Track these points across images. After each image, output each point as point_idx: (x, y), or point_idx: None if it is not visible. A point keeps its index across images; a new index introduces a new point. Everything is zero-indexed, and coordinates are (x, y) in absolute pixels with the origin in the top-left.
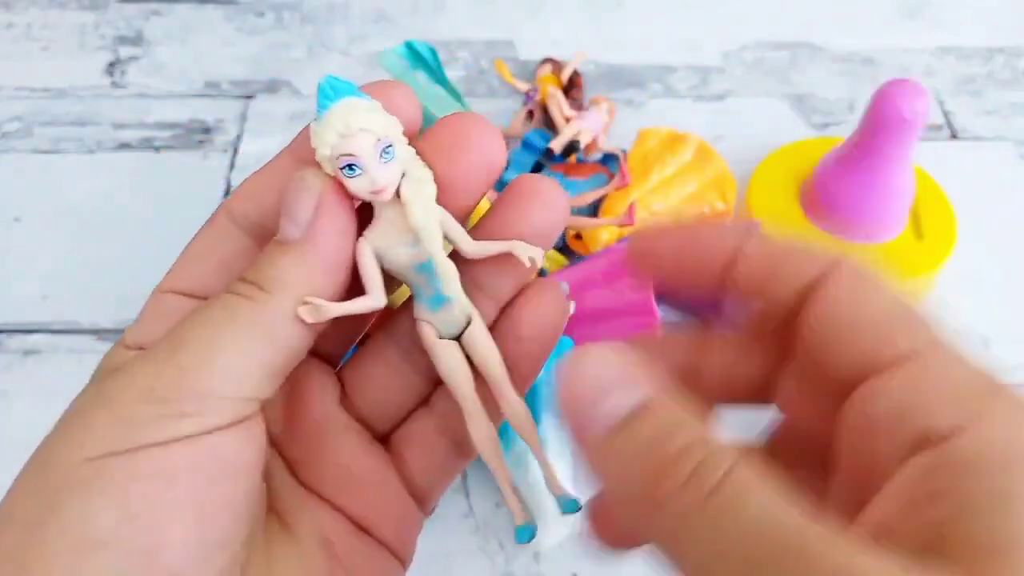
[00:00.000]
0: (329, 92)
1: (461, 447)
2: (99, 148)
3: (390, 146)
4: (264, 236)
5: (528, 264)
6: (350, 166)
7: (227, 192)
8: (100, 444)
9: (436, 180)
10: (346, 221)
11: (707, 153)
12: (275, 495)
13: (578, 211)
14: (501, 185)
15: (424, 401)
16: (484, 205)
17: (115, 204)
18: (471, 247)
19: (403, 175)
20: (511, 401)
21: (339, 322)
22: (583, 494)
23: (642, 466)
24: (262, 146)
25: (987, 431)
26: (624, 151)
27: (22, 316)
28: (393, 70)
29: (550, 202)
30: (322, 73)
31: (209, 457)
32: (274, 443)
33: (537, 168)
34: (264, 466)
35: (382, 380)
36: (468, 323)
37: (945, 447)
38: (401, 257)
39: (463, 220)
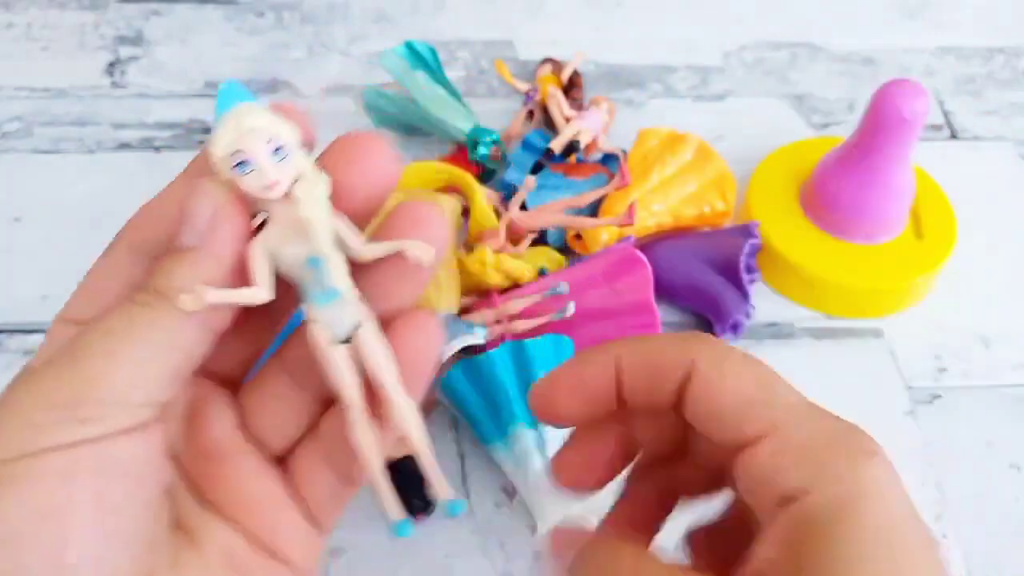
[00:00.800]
0: (227, 97)
1: (348, 477)
2: (99, 148)
3: (282, 146)
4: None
5: (421, 261)
6: (243, 163)
7: None
8: (8, 447)
9: (334, 187)
10: (243, 227)
11: (707, 153)
12: (180, 512)
13: (578, 211)
14: (504, 185)
15: (314, 426)
16: (490, 216)
17: (115, 204)
18: (361, 247)
19: (297, 179)
20: (401, 405)
21: (237, 343)
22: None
23: None
24: None
25: (825, 489)
26: (624, 151)
27: (22, 316)
28: (393, 70)
29: (433, 231)
30: (322, 73)
31: (110, 459)
32: (177, 462)
33: (537, 168)
34: (167, 481)
35: (275, 405)
36: (359, 326)
37: (799, 504)
38: (291, 254)
39: (359, 227)
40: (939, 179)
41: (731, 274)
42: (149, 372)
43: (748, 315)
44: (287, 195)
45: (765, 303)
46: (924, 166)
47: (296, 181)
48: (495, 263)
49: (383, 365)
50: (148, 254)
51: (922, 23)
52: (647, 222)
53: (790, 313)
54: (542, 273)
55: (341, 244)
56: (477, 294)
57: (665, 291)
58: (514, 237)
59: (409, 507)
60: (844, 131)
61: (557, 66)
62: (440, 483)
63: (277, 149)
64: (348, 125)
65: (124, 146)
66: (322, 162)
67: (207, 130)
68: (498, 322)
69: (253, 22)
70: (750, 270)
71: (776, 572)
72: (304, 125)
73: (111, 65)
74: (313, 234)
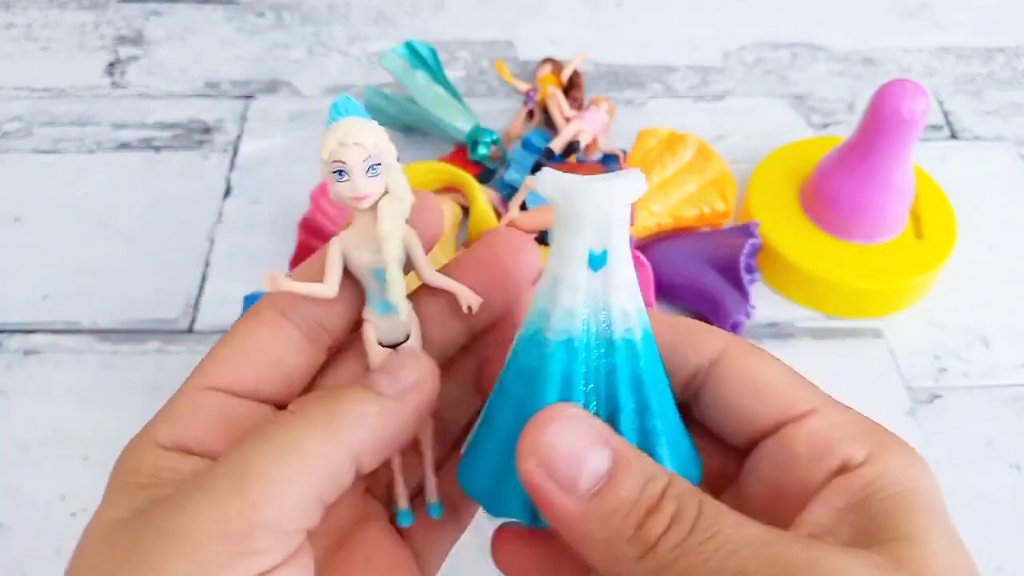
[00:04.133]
0: (341, 109)
1: (457, 515)
2: (99, 148)
3: (378, 164)
4: (317, 332)
5: (465, 311)
6: (340, 171)
7: (227, 192)
8: None
9: (472, 288)
10: (432, 400)
11: (707, 153)
12: None
13: None
14: (504, 185)
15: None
16: (490, 216)
17: (115, 204)
18: (426, 272)
19: (386, 192)
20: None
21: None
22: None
23: (628, 517)
24: (262, 146)
25: (886, 459)
26: (624, 151)
27: (22, 316)
28: (393, 70)
29: (524, 264)
30: (322, 73)
31: None
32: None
33: (537, 168)
34: None
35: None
36: (407, 338)
37: (860, 471)
38: (362, 260)
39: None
40: (939, 179)
41: (731, 274)
42: (313, 499)
43: (748, 315)
44: (372, 207)
45: (765, 303)
46: (924, 166)
47: (383, 195)
48: None
49: None
50: (295, 322)
51: (922, 23)
52: (647, 222)
53: (790, 313)
54: None
55: (409, 264)
56: None
57: (665, 291)
58: None
59: None
60: (844, 131)
61: (557, 66)
62: (431, 486)
63: (372, 166)
64: None
65: (124, 146)
66: (476, 254)
67: (207, 130)
68: None
69: (253, 22)
70: (750, 270)
71: (830, 535)
72: (433, 220)
73: (111, 65)
74: (384, 249)
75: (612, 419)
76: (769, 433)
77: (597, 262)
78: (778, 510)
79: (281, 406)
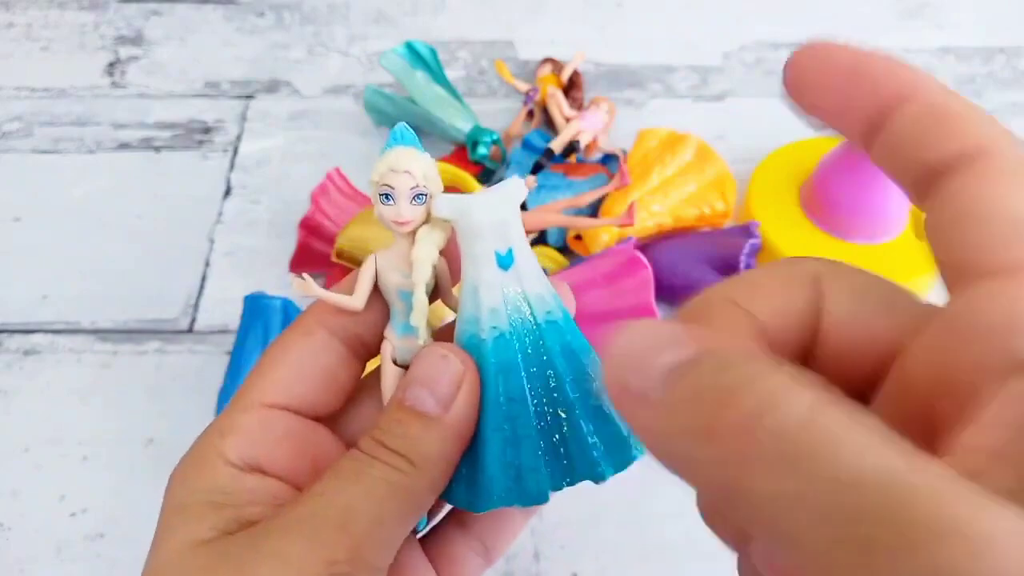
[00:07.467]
0: (398, 136)
1: (488, 554)
2: (99, 148)
3: (423, 194)
4: (359, 347)
5: None
6: (387, 195)
7: (227, 192)
8: None
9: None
10: (478, 399)
11: (707, 153)
12: None
13: (578, 211)
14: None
15: (457, 519)
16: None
17: (115, 204)
18: (451, 301)
19: (426, 221)
20: None
21: None
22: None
23: (699, 405)
24: (262, 146)
25: None
26: (624, 151)
27: (22, 316)
28: (393, 70)
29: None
30: (322, 73)
31: None
32: None
33: (537, 168)
34: None
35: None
36: None
37: None
38: (392, 280)
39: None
40: None
41: (731, 274)
42: (403, 536)
43: None
44: (411, 232)
45: None
46: None
47: (424, 223)
48: None
49: None
50: (343, 338)
51: (922, 23)
52: (647, 222)
53: None
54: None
55: (437, 290)
56: None
57: (665, 291)
58: None
59: None
60: None
61: (557, 66)
62: None
63: (418, 195)
64: (348, 125)
65: (124, 146)
66: None
67: (207, 130)
68: None
69: (253, 22)
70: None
71: (1004, 463)
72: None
73: (111, 65)
74: (415, 271)
75: (558, 390)
76: (964, 281)
77: (505, 261)
78: (936, 407)
79: (330, 420)
